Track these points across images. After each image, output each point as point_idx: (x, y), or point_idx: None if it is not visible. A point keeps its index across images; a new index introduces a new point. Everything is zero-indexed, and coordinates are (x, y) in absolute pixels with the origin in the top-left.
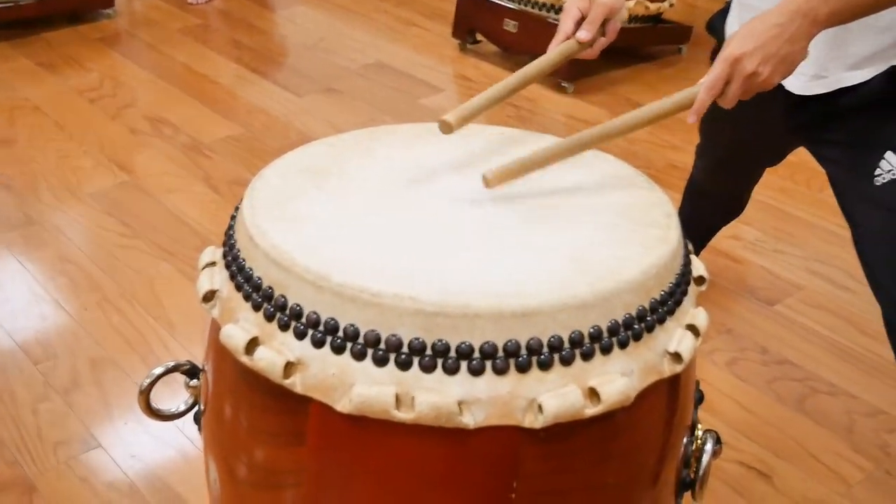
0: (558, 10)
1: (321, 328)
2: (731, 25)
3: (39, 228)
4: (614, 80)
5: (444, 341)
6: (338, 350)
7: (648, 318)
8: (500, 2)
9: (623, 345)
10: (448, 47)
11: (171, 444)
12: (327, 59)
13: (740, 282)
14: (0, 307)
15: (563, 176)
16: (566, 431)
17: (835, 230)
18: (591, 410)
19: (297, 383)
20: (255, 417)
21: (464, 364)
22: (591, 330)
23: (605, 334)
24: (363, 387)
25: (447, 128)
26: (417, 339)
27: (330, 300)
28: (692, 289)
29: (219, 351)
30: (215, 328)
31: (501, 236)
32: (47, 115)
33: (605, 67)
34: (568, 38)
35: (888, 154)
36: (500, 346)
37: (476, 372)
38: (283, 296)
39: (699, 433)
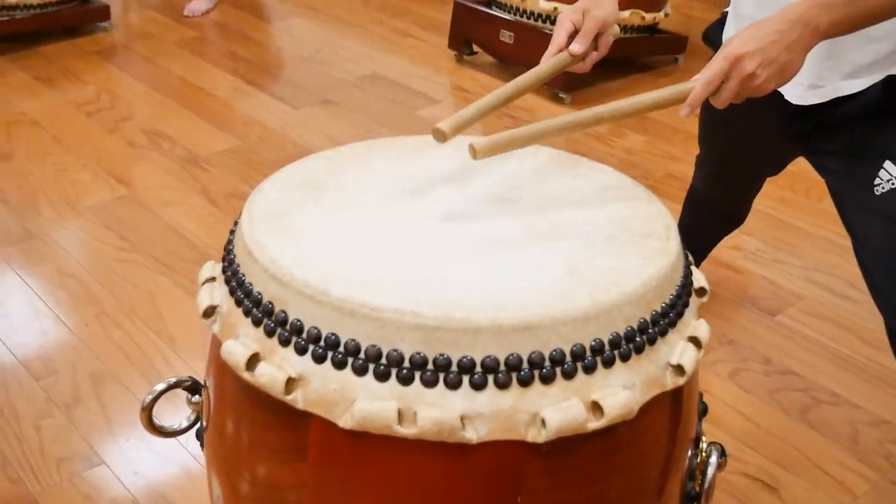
0: (554, 21)
1: (322, 343)
2: (728, 36)
3: (39, 242)
4: (611, 91)
5: (445, 356)
6: (339, 365)
7: (650, 331)
8: (496, 13)
9: (625, 357)
10: (444, 58)
11: (174, 461)
12: (323, 70)
13: (741, 292)
14: (0, 322)
15: (561, 188)
16: (569, 445)
17: (835, 239)
18: (594, 424)
19: (298, 399)
20: (256, 433)
21: (466, 378)
22: (593, 343)
23: (607, 347)
24: (365, 402)
25: (441, 136)
26: (419, 353)
27: (330, 315)
28: (693, 300)
29: (220, 367)
30: (216, 344)
31: (501, 249)
32: (45, 129)
33: (601, 78)
34: (561, 51)
35: (887, 163)
36: (501, 360)
37: (478, 386)
38: (283, 311)
39: (704, 445)
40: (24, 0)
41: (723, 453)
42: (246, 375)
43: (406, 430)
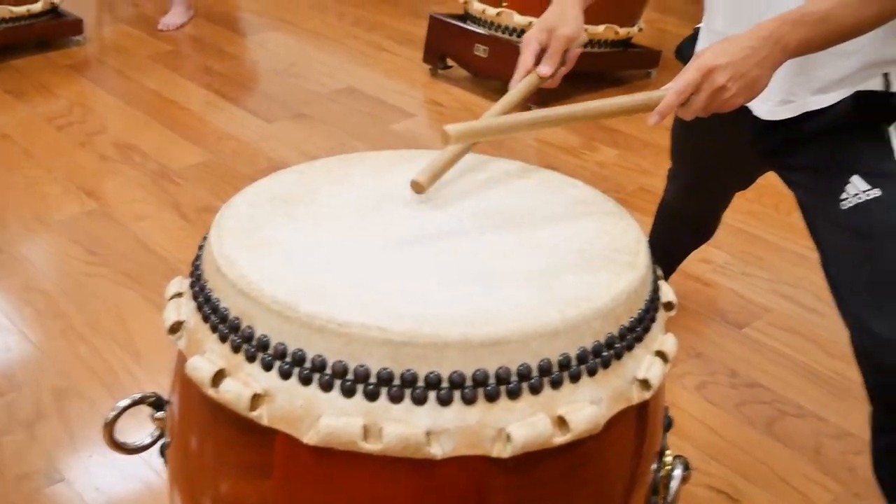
0: None
1: (288, 359)
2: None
3: (7, 257)
4: None
5: (412, 371)
6: (305, 381)
7: (617, 345)
8: (470, 27)
9: (592, 372)
10: (419, 72)
11: (137, 477)
12: (298, 84)
13: (710, 305)
14: None
15: (533, 202)
16: (535, 460)
17: (803, 253)
18: (560, 439)
19: (263, 415)
20: (221, 450)
21: (432, 394)
22: (560, 358)
23: (574, 362)
24: (330, 418)
25: (420, 188)
26: (385, 369)
27: (297, 331)
28: (661, 315)
29: (185, 383)
30: (182, 360)
31: (470, 264)
32: (16, 143)
33: (574, 92)
34: (529, 73)
35: (854, 178)
36: (468, 375)
37: (444, 402)
38: (249, 327)
39: (668, 459)
40: None
41: (687, 467)
42: (211, 392)
43: (371, 447)
